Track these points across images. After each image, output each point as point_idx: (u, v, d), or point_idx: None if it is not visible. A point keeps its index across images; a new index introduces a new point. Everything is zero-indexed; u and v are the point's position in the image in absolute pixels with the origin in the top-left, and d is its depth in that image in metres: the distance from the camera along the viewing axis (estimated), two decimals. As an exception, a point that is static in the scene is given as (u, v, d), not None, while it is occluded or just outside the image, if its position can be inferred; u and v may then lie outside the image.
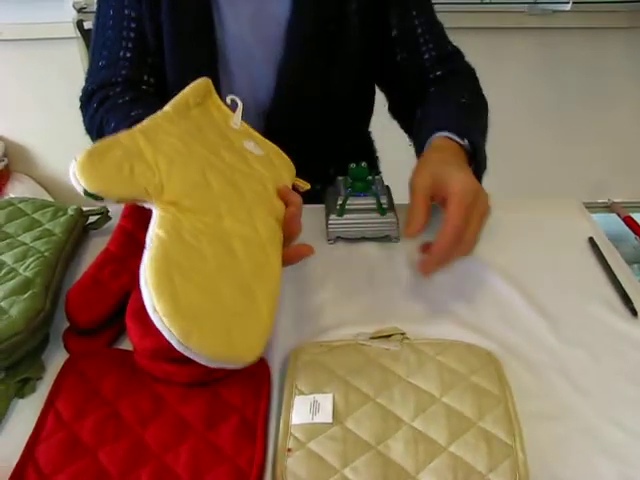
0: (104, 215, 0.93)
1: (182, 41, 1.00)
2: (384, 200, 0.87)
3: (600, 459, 0.56)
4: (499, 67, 2.07)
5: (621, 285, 0.75)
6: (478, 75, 1.08)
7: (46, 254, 0.79)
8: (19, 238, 0.84)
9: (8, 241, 0.83)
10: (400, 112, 1.10)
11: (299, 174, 1.02)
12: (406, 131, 1.08)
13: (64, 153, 2.17)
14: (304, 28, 0.98)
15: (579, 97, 2.18)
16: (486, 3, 1.94)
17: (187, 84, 0.99)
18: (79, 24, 1.95)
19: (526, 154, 2.16)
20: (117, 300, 0.71)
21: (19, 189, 2.16)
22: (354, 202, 0.87)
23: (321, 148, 1.07)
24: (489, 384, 0.61)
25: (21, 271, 0.76)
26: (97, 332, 0.70)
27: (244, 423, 0.58)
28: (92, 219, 0.92)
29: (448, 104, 0.97)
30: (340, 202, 0.87)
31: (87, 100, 1.03)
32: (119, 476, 0.54)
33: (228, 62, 1.02)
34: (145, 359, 0.63)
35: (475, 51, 1.93)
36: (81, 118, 1.13)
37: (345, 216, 0.87)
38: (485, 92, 1.07)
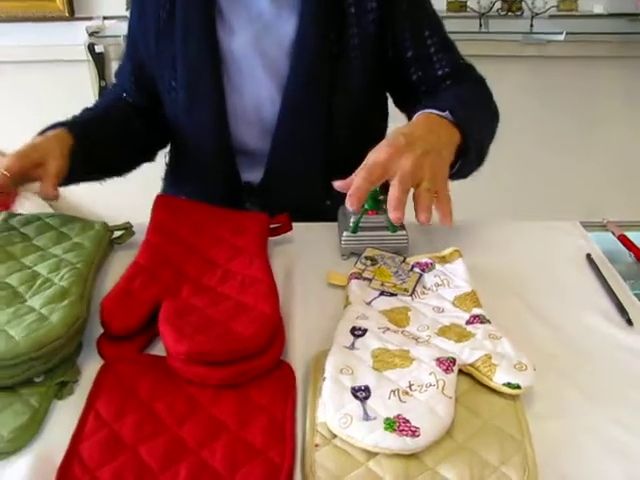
0: (128, 230, 0.98)
1: (190, 65, 1.07)
2: (394, 218, 0.92)
3: (604, 455, 0.60)
4: (497, 92, 2.12)
5: (617, 297, 0.81)
6: None
7: (78, 265, 0.84)
8: (50, 250, 0.89)
9: (40, 253, 0.88)
10: None
11: (306, 190, 1.09)
12: None
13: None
14: (308, 49, 1.04)
15: (573, 122, 2.25)
16: (484, 32, 2.01)
17: (197, 110, 1.07)
18: (90, 47, 2.01)
19: (523, 177, 2.22)
20: (148, 309, 0.75)
21: (26, 205, 2.20)
22: (366, 220, 0.92)
23: (327, 165, 1.11)
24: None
25: (56, 281, 0.80)
26: (130, 339, 0.74)
27: (273, 422, 0.63)
28: (117, 234, 0.97)
29: (445, 95, 1.02)
30: (354, 220, 0.92)
31: None
32: (160, 470, 0.58)
33: (235, 82, 1.08)
34: (179, 362, 0.68)
35: None
36: None
37: (358, 233, 0.92)
38: None
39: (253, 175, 1.14)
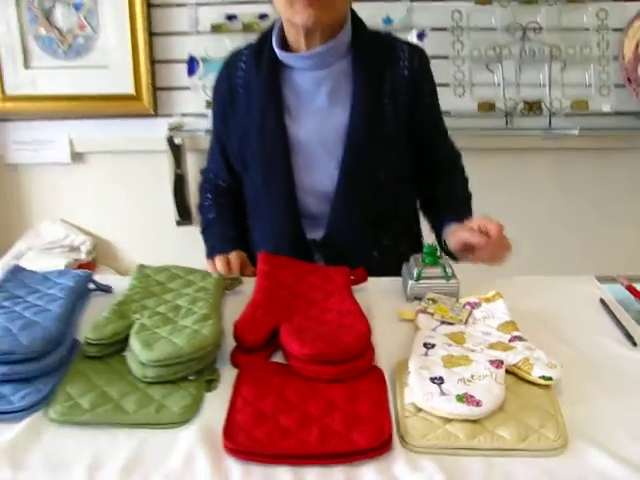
0: (238, 280, 1.25)
1: (267, 151, 1.39)
2: (449, 270, 1.18)
3: (618, 428, 0.83)
4: (521, 179, 2.42)
5: (624, 326, 1.05)
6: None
7: (210, 300, 1.10)
8: (183, 291, 1.15)
9: (175, 293, 1.14)
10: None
11: (358, 245, 1.40)
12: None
13: (142, 247, 2.52)
14: (358, 135, 1.35)
15: (588, 204, 2.50)
16: (510, 129, 2.28)
17: (273, 186, 1.37)
18: (170, 140, 2.34)
19: (545, 251, 2.45)
20: (270, 330, 1.00)
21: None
22: (426, 271, 1.18)
23: (374, 224, 1.42)
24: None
25: (197, 309, 1.06)
26: (257, 351, 0.99)
27: (374, 402, 0.86)
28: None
29: (455, 200, 1.46)
30: (417, 271, 1.18)
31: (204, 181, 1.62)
32: (298, 430, 0.81)
33: (302, 162, 1.38)
34: (300, 363, 0.92)
35: (502, 167, 2.35)
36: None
37: (420, 281, 1.18)
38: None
39: (316, 233, 1.42)
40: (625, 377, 0.94)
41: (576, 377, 0.93)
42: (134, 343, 0.96)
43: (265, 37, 1.41)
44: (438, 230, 1.42)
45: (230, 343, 1.02)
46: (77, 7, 2.29)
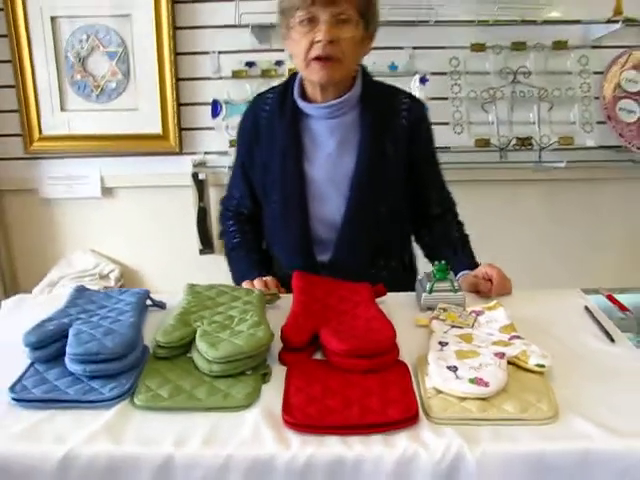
0: (276, 295, 1.46)
1: (286, 186, 1.62)
2: (456, 284, 1.40)
3: (599, 406, 1.02)
4: (514, 209, 2.65)
5: (604, 327, 1.26)
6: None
7: (257, 311, 1.30)
8: (232, 304, 1.35)
9: (226, 305, 1.34)
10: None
11: (359, 264, 1.64)
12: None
13: (167, 274, 2.72)
14: (362, 176, 1.60)
15: (576, 229, 2.71)
16: (503, 162, 2.49)
17: (290, 216, 1.60)
18: (194, 176, 2.56)
19: (536, 268, 2.63)
20: (311, 333, 1.20)
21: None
22: (437, 285, 1.39)
23: (373, 248, 1.65)
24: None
25: (248, 318, 1.26)
26: (301, 350, 1.19)
27: (402, 387, 1.06)
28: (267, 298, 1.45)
29: (456, 247, 1.68)
30: (429, 286, 1.39)
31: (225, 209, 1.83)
32: (342, 409, 1.01)
33: (315, 197, 1.63)
34: (338, 357, 1.12)
35: (497, 197, 2.57)
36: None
37: (432, 294, 1.39)
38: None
39: (324, 256, 1.66)
40: (604, 367, 1.15)
41: (564, 368, 1.14)
42: (201, 344, 1.15)
43: (288, 85, 1.65)
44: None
45: (275, 346, 1.22)
46: (111, 56, 2.53)
